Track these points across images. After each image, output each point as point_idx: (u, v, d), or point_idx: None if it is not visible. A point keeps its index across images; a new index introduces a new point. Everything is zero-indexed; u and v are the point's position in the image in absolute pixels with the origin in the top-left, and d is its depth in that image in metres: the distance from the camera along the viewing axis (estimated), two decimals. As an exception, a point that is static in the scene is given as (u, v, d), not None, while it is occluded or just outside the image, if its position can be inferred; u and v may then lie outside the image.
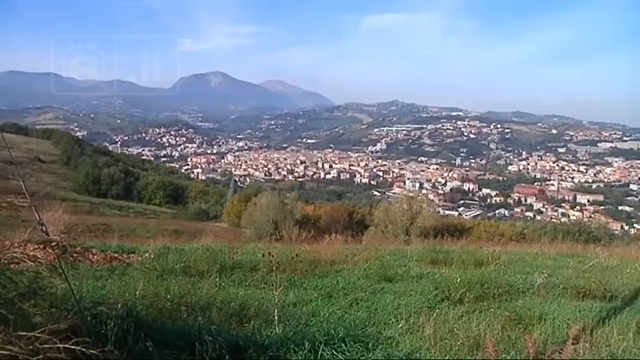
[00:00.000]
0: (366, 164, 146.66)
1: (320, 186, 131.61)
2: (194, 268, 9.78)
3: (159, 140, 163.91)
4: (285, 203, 39.75)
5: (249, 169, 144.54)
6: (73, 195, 67.54)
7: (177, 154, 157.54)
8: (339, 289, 9.05)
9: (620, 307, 8.46)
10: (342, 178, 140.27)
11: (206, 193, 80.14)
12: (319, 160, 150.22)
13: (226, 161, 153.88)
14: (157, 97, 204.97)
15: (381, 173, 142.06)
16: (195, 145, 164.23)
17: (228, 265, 10.23)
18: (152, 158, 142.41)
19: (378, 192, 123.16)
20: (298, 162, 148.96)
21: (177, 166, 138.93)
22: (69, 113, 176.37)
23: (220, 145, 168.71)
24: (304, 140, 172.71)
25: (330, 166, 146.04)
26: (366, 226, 37.43)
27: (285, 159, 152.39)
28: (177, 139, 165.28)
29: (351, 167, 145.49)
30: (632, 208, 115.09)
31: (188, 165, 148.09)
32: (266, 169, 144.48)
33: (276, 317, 5.99)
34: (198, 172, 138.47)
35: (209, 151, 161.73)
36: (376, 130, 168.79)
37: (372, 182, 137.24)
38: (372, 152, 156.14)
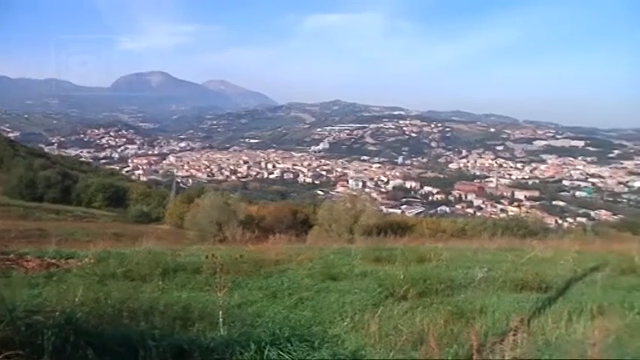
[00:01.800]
0: (309, 164, 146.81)
1: (263, 186, 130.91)
2: (136, 272, 9.57)
3: (98, 141, 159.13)
4: (229, 204, 39.37)
5: (192, 170, 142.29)
6: (5, 199, 64.86)
7: (117, 156, 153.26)
8: (284, 288, 9.05)
9: (554, 297, 8.80)
10: (285, 177, 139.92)
11: (148, 194, 78.28)
12: (262, 160, 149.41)
13: (168, 162, 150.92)
14: (96, 97, 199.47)
15: (324, 173, 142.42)
16: (135, 146, 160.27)
17: (171, 268, 10.07)
18: (91, 160, 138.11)
19: (322, 191, 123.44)
20: (241, 162, 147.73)
21: (117, 167, 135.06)
22: (0, 113, 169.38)
23: (162, 146, 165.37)
24: (247, 140, 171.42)
25: (274, 166, 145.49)
26: (310, 226, 37.44)
27: (228, 159, 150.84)
28: (117, 140, 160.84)
29: (295, 167, 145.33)
30: (565, 203, 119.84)
31: (129, 167, 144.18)
32: (209, 169, 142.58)
33: (221, 319, 5.92)
34: (139, 174, 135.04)
35: (150, 152, 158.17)
36: (319, 129, 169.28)
37: (315, 182, 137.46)
38: (315, 152, 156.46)
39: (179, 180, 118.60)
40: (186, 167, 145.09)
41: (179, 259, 11.11)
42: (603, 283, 9.97)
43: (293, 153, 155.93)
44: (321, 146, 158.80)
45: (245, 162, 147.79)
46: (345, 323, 6.83)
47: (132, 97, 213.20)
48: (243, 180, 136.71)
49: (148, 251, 11.53)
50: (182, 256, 11.59)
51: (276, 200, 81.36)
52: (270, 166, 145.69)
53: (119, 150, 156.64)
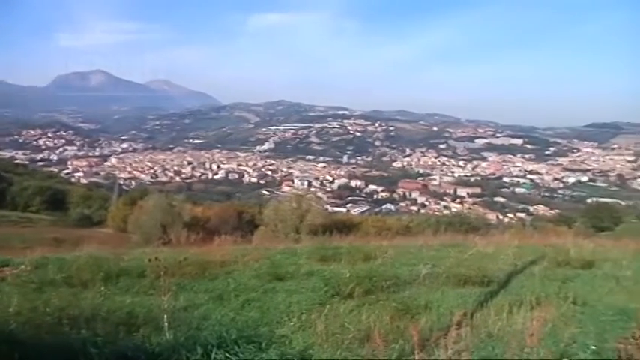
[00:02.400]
0: (254, 164, 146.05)
1: (208, 187, 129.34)
2: (77, 278, 9.30)
3: (34, 143, 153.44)
4: (173, 205, 38.76)
5: (135, 172, 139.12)
6: None
7: (56, 158, 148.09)
8: (230, 290, 8.98)
9: (495, 290, 9.07)
10: (230, 178, 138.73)
11: (89, 197, 75.88)
12: (207, 160, 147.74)
13: (110, 164, 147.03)
14: (32, 96, 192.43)
15: (269, 173, 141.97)
16: (75, 148, 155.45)
17: (114, 273, 9.82)
18: (27, 162, 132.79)
19: (267, 191, 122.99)
20: (185, 163, 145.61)
21: (56, 170, 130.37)
22: None
23: (103, 148, 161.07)
24: (191, 141, 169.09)
25: (218, 167, 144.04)
26: (256, 226, 37.24)
27: (172, 160, 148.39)
28: (56, 141, 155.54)
29: (240, 167, 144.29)
30: (505, 199, 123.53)
31: (68, 169, 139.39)
32: (152, 171, 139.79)
33: (166, 323, 5.83)
34: (79, 177, 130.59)
35: (91, 154, 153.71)
36: (264, 129, 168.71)
37: (260, 182, 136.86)
38: (260, 152, 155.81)
39: (121, 182, 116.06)
40: (128, 169, 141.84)
41: (122, 263, 10.85)
42: (541, 275, 10.33)
43: (238, 153, 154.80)
44: (266, 146, 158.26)
45: (189, 163, 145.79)
46: (292, 323, 6.84)
47: (71, 97, 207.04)
48: (188, 181, 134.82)
49: (90, 256, 11.23)
50: (125, 260, 11.31)
51: (221, 201, 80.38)
52: (214, 166, 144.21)
53: (58, 152, 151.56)
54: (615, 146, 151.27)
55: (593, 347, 5.36)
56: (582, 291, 8.99)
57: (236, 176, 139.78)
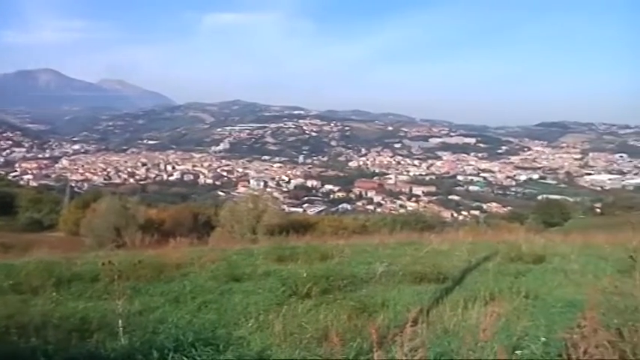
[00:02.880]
0: (209, 164, 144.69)
1: (163, 188, 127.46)
2: (26, 285, 9.02)
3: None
4: (127, 208, 38.03)
5: (87, 174, 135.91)
6: None
7: (2, 160, 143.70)
8: (187, 292, 8.87)
9: (451, 286, 9.22)
10: (185, 179, 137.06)
11: (39, 201, 73.57)
12: (161, 161, 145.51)
13: (61, 166, 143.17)
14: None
15: (225, 173, 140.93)
16: (24, 150, 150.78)
17: (65, 278, 9.58)
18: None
19: (223, 192, 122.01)
20: (139, 164, 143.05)
21: (2, 172, 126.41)
22: None
23: (53, 149, 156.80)
24: (145, 141, 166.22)
25: (173, 168, 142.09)
26: (213, 227, 36.88)
27: (126, 161, 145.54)
28: (2, 142, 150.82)
29: (195, 168, 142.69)
30: (459, 197, 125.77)
31: (16, 171, 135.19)
32: (105, 172, 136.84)
33: (121, 328, 5.73)
34: (28, 179, 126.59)
35: (40, 156, 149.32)
36: (219, 129, 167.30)
37: (216, 183, 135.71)
38: (215, 152, 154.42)
39: (73, 184, 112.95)
40: (80, 171, 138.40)
41: (75, 267, 10.59)
42: (494, 271, 10.55)
43: (193, 154, 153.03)
44: (221, 146, 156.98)
45: (143, 164, 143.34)
46: (250, 324, 6.80)
47: (18, 96, 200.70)
48: (142, 183, 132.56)
49: (40, 261, 10.93)
50: (78, 265, 11.05)
51: (176, 203, 79.27)
52: (169, 167, 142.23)
53: (4, 153, 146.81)
54: (564, 144, 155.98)
55: (543, 339, 5.51)
56: (534, 285, 9.22)
57: (191, 177, 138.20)
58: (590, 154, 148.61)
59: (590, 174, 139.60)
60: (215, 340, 5.51)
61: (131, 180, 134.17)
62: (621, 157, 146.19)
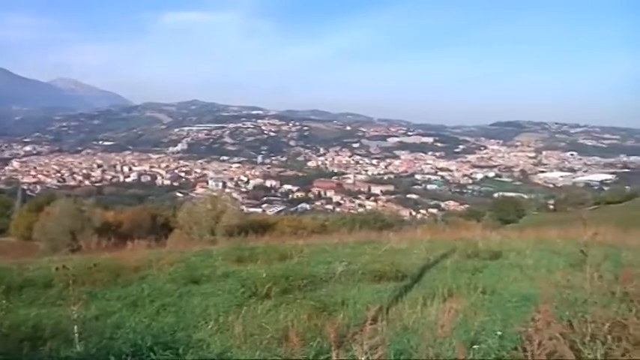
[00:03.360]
0: (167, 165, 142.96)
1: (120, 190, 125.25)
2: (-27, 293, 8.73)
3: None
4: (82, 210, 37.16)
5: (40, 176, 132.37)
6: None
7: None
8: (145, 296, 8.73)
9: (410, 284, 9.32)
10: (143, 180, 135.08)
11: (-12, 205, 71.59)
12: (118, 163, 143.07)
13: (11, 168, 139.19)
14: None
15: (183, 174, 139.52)
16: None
17: (16, 284, 9.28)
18: None
19: (182, 193, 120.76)
20: (95, 166, 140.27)
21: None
22: None
23: (3, 151, 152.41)
24: (101, 142, 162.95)
25: (130, 169, 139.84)
26: (171, 229, 36.42)
27: (80, 163, 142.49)
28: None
29: (152, 169, 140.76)
30: (417, 196, 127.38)
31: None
32: (59, 174, 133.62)
33: (76, 335, 5.60)
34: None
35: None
36: (177, 130, 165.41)
37: (174, 183, 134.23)
38: (173, 153, 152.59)
39: (25, 187, 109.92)
40: (32, 173, 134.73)
41: (27, 273, 10.30)
42: (452, 268, 10.73)
43: (150, 155, 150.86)
44: (179, 147, 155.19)
45: (99, 166, 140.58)
46: (210, 326, 6.74)
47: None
48: (98, 185, 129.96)
49: (-11, 267, 10.60)
50: (30, 270, 10.75)
51: (133, 204, 77.83)
52: (126, 169, 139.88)
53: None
54: (518, 143, 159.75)
55: (500, 333, 5.62)
56: (490, 281, 9.41)
57: (149, 178, 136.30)
58: (544, 153, 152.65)
59: (543, 172, 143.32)
60: (174, 344, 5.45)
61: (86, 182, 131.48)
62: (572, 155, 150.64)
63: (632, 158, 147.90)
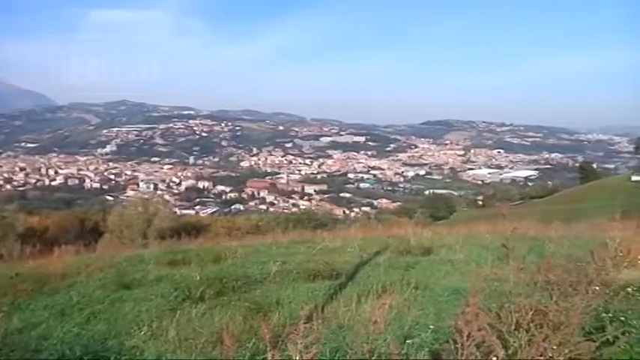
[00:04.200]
0: (96, 168, 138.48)
1: (45, 194, 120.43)
2: None
3: None
4: (4, 216, 35.49)
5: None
6: None
7: None
8: (73, 304, 8.44)
9: (344, 282, 9.41)
10: (70, 184, 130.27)
11: None
12: (42, 165, 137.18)
13: None
14: None
15: (112, 176, 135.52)
16: None
17: None
18: None
19: (112, 196, 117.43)
20: (17, 169, 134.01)
21: None
22: None
23: None
24: (23, 144, 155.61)
25: (56, 172, 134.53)
26: (101, 234, 35.31)
27: (1, 166, 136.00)
28: None
29: (80, 172, 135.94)
30: (351, 195, 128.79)
31: None
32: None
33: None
34: None
35: None
36: (105, 131, 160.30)
37: (104, 186, 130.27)
38: (102, 155, 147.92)
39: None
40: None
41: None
42: (385, 265, 10.92)
43: (77, 157, 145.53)
44: (108, 149, 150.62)
45: (22, 169, 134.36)
46: (143, 332, 6.60)
47: None
48: (21, 189, 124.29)
49: None
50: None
51: (60, 209, 75.05)
52: (51, 172, 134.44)
53: None
54: (448, 142, 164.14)
55: (432, 327, 5.77)
56: (422, 276, 9.63)
57: (76, 181, 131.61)
58: (472, 151, 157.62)
59: (472, 169, 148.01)
60: (105, 352, 5.31)
61: (8, 186, 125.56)
62: (499, 152, 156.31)
63: (554, 155, 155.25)
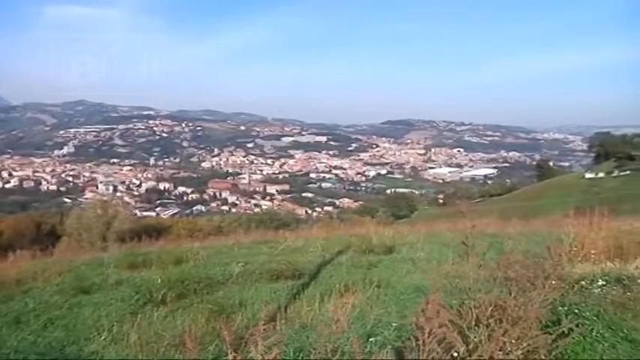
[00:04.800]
0: (52, 169, 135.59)
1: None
2: None
3: None
4: (-45, 221, 34.57)
5: None
6: None
7: None
8: (29, 311, 8.21)
9: (307, 282, 9.41)
10: (25, 186, 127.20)
11: None
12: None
13: None
14: None
15: (70, 178, 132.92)
16: None
17: None
18: None
19: (69, 198, 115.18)
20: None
21: None
22: None
23: None
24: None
25: (10, 174, 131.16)
26: (58, 237, 34.59)
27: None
28: None
29: (36, 174, 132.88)
30: (313, 194, 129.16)
31: None
32: None
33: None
34: None
35: None
36: (62, 132, 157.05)
37: (61, 189, 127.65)
38: (58, 156, 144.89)
39: None
40: None
41: None
42: (348, 264, 10.96)
43: (33, 159, 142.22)
44: (65, 150, 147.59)
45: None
46: (103, 337, 6.48)
47: None
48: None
49: None
50: None
51: (15, 212, 73.08)
52: (5, 174, 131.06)
53: None
54: (409, 141, 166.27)
55: (395, 324, 5.82)
56: (385, 275, 9.69)
57: (32, 184, 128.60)
58: (433, 150, 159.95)
59: (432, 168, 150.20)
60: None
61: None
62: (459, 151, 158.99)
63: (511, 154, 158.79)
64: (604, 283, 6.78)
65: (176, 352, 5.67)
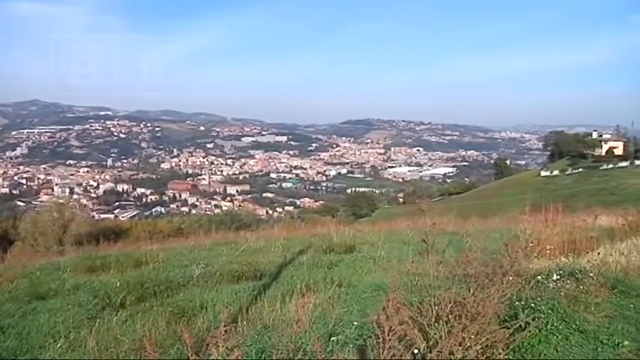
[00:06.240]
0: (4, 172, 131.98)
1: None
2: None
3: None
4: None
5: None
6: None
7: None
8: (-21, 320, 7.95)
9: (268, 283, 9.39)
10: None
11: None
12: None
13: None
14: None
15: (24, 181, 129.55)
16: None
17: None
18: None
19: (23, 202, 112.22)
20: None
21: None
22: None
23: None
24: None
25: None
26: (11, 242, 33.65)
27: None
28: None
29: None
30: (273, 194, 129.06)
31: None
32: None
33: None
34: None
35: None
36: (14, 132, 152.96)
37: (14, 191, 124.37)
38: (11, 158, 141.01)
39: None
40: None
41: None
42: (309, 264, 10.97)
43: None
44: (18, 151, 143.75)
45: None
46: (59, 345, 6.32)
47: None
48: None
49: None
50: None
51: (-36, 217, 70.98)
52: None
53: None
54: (369, 140, 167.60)
55: (356, 323, 5.84)
56: (346, 274, 9.75)
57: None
58: (392, 149, 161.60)
59: (392, 167, 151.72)
60: (16, 370, 5.04)
61: None
62: (418, 150, 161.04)
63: (470, 152, 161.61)
64: (558, 277, 6.97)
65: (136, 356, 5.58)
